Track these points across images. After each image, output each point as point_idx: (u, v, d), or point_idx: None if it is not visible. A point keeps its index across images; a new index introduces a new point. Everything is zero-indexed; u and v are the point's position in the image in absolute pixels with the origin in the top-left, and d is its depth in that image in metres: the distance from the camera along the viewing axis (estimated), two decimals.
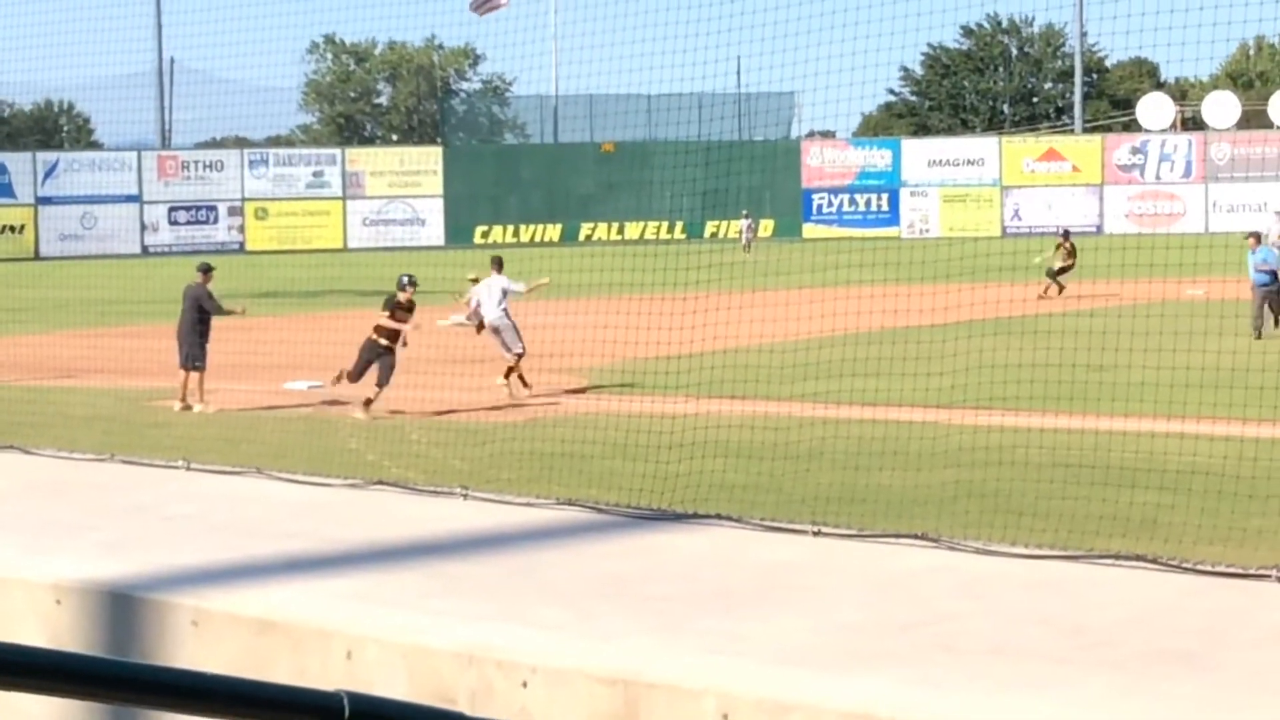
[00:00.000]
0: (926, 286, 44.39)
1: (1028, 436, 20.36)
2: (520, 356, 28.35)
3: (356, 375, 25.63)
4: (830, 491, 16.77)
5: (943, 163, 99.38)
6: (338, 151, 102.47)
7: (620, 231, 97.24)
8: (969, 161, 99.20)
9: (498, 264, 30.34)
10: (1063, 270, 47.86)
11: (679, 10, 26.00)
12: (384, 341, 25.78)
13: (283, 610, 11.80)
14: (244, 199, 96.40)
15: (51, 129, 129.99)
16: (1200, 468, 17.69)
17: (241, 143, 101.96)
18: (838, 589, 11.94)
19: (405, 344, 26.52)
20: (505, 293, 29.30)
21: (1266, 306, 32.60)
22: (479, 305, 29.60)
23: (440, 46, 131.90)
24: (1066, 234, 49.96)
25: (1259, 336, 31.86)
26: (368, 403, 25.12)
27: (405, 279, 26.90)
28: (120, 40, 68.17)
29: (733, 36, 25.39)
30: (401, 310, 26.40)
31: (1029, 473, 17.66)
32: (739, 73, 76.70)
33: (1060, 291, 46.78)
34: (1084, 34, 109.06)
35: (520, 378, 28.24)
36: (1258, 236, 34.21)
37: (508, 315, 28.99)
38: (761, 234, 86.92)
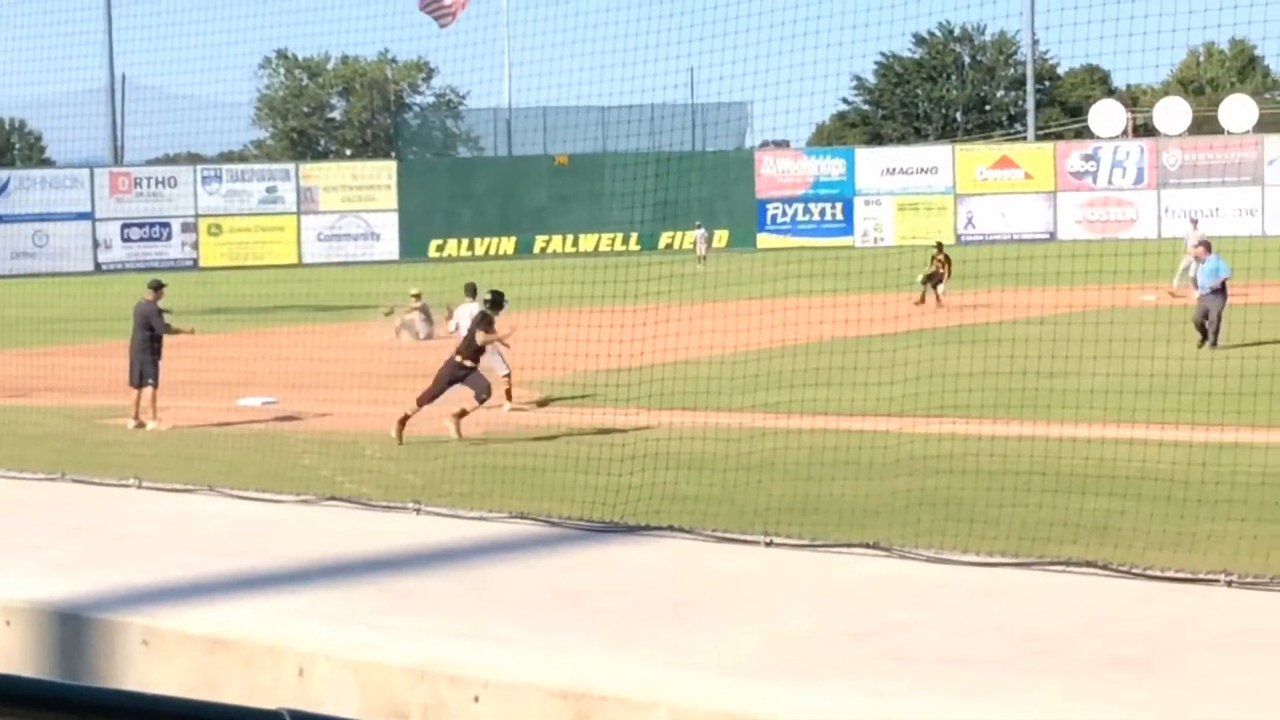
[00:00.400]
0: (879, 295, 44.55)
1: (980, 444, 20.39)
2: (507, 376, 28.54)
3: (430, 398, 24.05)
4: (783, 502, 16.79)
5: (896, 171, 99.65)
6: (291, 167, 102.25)
7: (575, 244, 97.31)
8: (922, 170, 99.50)
9: (472, 291, 30.38)
10: (933, 278, 47.83)
11: (632, 23, 26.01)
12: (468, 363, 24.26)
13: (234, 628, 11.75)
14: (197, 215, 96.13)
15: (3, 147, 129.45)
16: (1151, 473, 17.73)
17: (194, 159, 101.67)
18: (789, 599, 11.94)
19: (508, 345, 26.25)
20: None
21: (1216, 317, 32.22)
22: (457, 329, 29.73)
23: (393, 60, 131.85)
24: (939, 246, 50.08)
25: (1213, 345, 31.65)
26: (461, 414, 23.81)
27: (499, 296, 25.76)
28: (71, 57, 67.76)
29: (686, 48, 25.41)
30: (489, 326, 24.90)
31: (981, 480, 17.69)
32: (692, 84, 76.66)
33: (938, 303, 46.55)
34: (1036, 42, 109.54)
35: (507, 392, 28.39)
36: (1207, 245, 34.18)
37: None
38: (716, 244, 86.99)
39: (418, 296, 42.34)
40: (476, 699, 10.36)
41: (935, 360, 24.67)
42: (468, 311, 29.70)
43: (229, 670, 11.48)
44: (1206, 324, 32.25)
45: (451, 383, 24.04)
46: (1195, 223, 54.44)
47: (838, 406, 23.68)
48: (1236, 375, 22.67)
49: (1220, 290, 32.59)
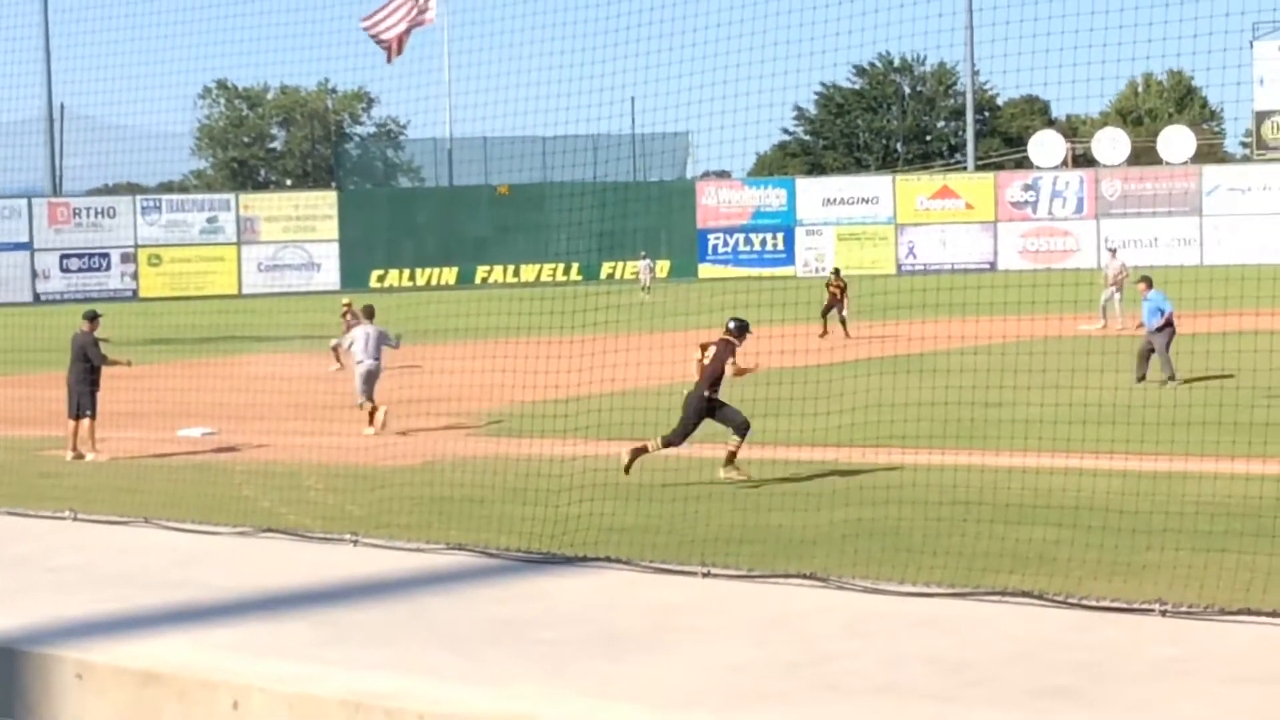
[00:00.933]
0: (820, 326, 44.66)
1: (920, 474, 20.49)
2: (360, 407, 28.81)
3: (681, 438, 22.25)
4: (721, 532, 16.83)
5: (837, 201, 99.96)
6: (231, 197, 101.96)
7: (516, 274, 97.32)
8: (863, 200, 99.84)
9: (369, 313, 30.76)
10: (831, 307, 47.35)
11: (573, 53, 26.00)
12: (709, 394, 22.29)
13: (168, 661, 11.68)
14: (137, 245, 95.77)
15: None
16: (1089, 503, 17.85)
17: (134, 189, 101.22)
18: (726, 630, 11.93)
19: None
20: (380, 343, 29.76)
21: (1165, 352, 31.91)
22: (350, 347, 30.12)
23: (333, 90, 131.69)
24: (836, 272, 49.81)
25: (1143, 380, 31.47)
26: (732, 456, 21.91)
27: (744, 324, 23.13)
28: (9, 87, 67.40)
29: (627, 78, 25.40)
30: (732, 352, 22.73)
31: (922, 510, 17.76)
32: (633, 114, 76.75)
33: (845, 334, 46.28)
34: (975, 72, 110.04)
35: (371, 415, 28.60)
36: (1149, 281, 34.07)
37: (378, 363, 29.53)
38: (658, 275, 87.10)
39: (348, 305, 42.40)
40: None
41: (877, 390, 24.72)
42: (363, 333, 29.99)
43: (163, 704, 11.41)
44: (1155, 358, 31.85)
45: (700, 418, 22.25)
46: (1114, 251, 54.19)
47: (776, 437, 23.74)
48: (1171, 405, 22.82)
49: (1166, 325, 32.31)
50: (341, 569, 14.82)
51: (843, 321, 47.22)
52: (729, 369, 22.29)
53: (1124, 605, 12.06)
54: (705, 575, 13.81)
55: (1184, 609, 11.90)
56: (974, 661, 10.83)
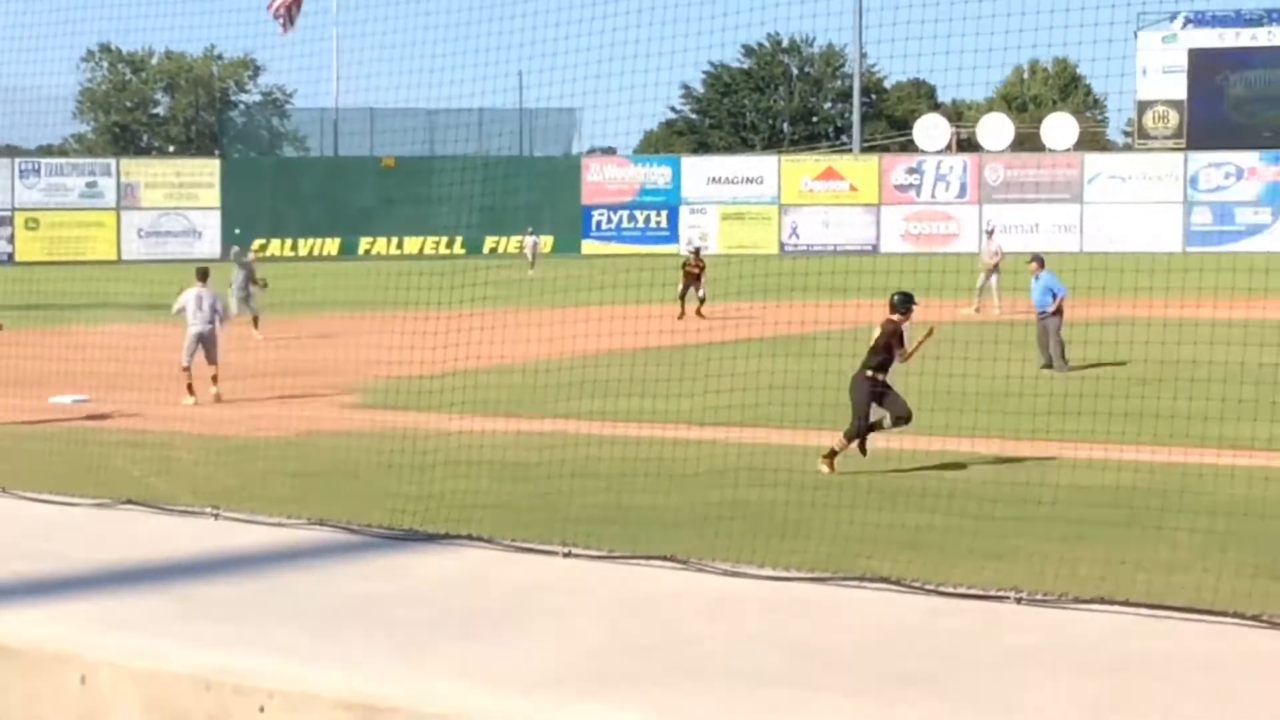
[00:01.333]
0: (678, 307, 44.63)
1: (794, 456, 20.50)
2: (186, 370, 28.98)
3: (860, 429, 20.76)
4: (585, 513, 16.77)
5: (722, 180, 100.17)
6: (112, 162, 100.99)
7: (399, 246, 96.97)
8: (748, 179, 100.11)
9: (203, 275, 30.55)
10: (689, 287, 46.83)
11: (461, 25, 25.86)
12: (881, 377, 20.97)
13: (17, 636, 11.48)
14: (14, 209, 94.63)
15: None
16: (965, 489, 17.94)
17: (12, 151, 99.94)
18: (584, 612, 11.87)
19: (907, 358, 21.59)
20: (214, 308, 29.63)
21: (1056, 338, 31.95)
22: (183, 311, 29.88)
23: (219, 57, 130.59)
24: (696, 252, 49.22)
25: (1050, 365, 31.52)
26: (859, 446, 20.90)
27: (908, 298, 21.49)
28: None
29: (514, 53, 25.28)
30: (900, 338, 21.33)
31: (794, 493, 17.74)
32: (520, 89, 76.60)
33: (697, 312, 45.82)
34: (863, 55, 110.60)
35: (189, 387, 28.72)
36: (1040, 261, 34.11)
37: (212, 327, 29.31)
38: (542, 250, 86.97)
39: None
40: (262, 709, 10.19)
41: (752, 373, 24.70)
42: (194, 295, 29.76)
43: (11, 679, 11.22)
44: (1049, 346, 31.87)
45: (871, 403, 20.85)
46: (991, 233, 53.48)
47: (654, 415, 23.69)
48: (1048, 394, 22.94)
49: (1059, 311, 32.24)
50: (202, 543, 14.63)
51: (700, 301, 46.77)
52: (898, 354, 21.05)
53: (980, 593, 12.10)
54: (566, 555, 13.74)
55: (1039, 597, 11.95)
56: (830, 646, 10.83)
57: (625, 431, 22.23)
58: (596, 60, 22.76)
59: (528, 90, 77.31)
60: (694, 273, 47.04)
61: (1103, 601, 11.83)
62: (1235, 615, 11.42)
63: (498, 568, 13.47)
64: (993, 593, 12.08)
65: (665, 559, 13.41)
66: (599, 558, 13.68)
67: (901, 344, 21.14)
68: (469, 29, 25.51)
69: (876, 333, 21.29)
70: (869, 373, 20.89)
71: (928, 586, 12.32)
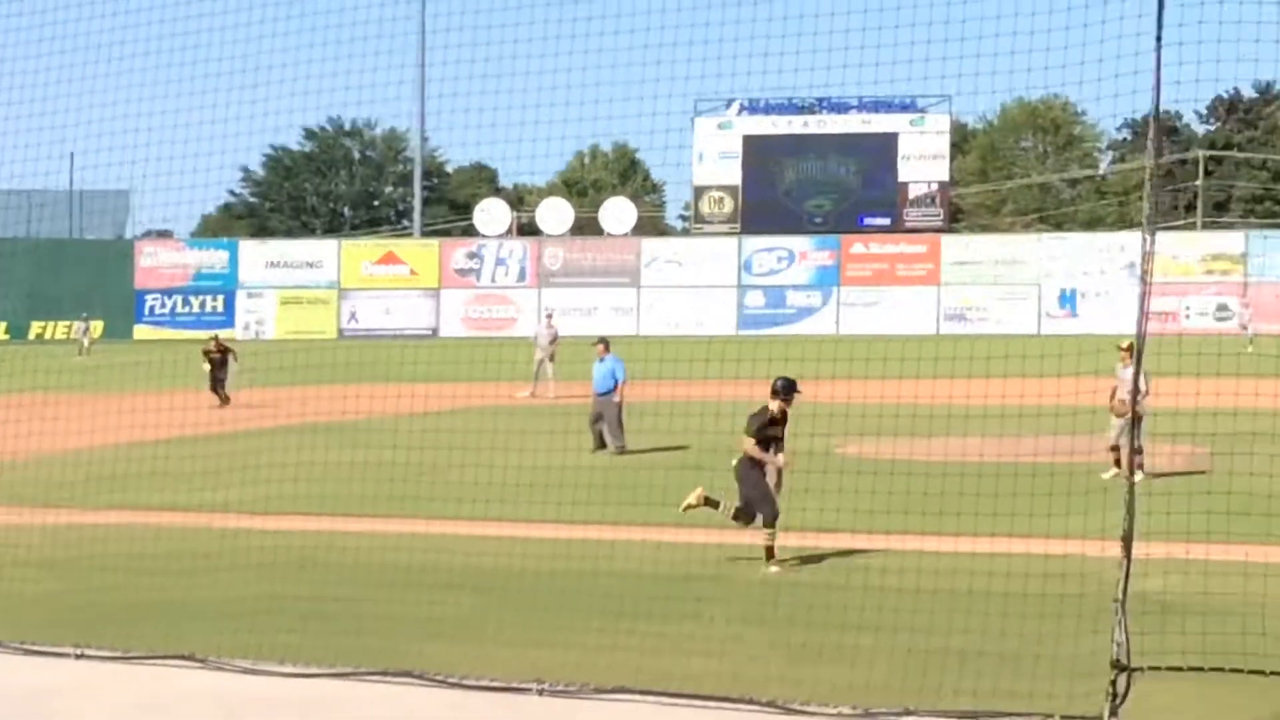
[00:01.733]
0: (256, 391, 43.67)
1: (346, 540, 19.85)
2: None
3: (758, 509, 18.89)
4: (104, 610, 15.67)
5: (281, 264, 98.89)
6: None
7: None
8: (307, 264, 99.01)
9: None
10: (217, 374, 44.78)
11: (10, 105, 24.67)
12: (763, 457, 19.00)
13: None
14: None
15: None
16: (518, 571, 17.56)
17: None
18: (96, 717, 11.07)
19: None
20: None
21: (615, 419, 31.62)
22: None
23: None
24: (215, 338, 46.84)
25: (603, 447, 31.21)
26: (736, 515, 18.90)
27: (791, 383, 19.17)
28: None
29: (67, 133, 24.17)
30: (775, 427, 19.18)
31: (344, 579, 17.13)
32: (72, 169, 74.59)
33: (223, 401, 43.58)
34: (426, 139, 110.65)
35: None
36: (606, 344, 33.93)
37: None
38: (94, 335, 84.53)
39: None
40: None
41: (306, 463, 23.95)
42: None
43: None
44: (603, 427, 31.55)
45: (767, 482, 18.90)
46: (549, 317, 54.08)
47: (203, 506, 22.81)
48: (605, 470, 22.78)
49: (615, 393, 32.03)
50: None
51: (223, 392, 44.32)
52: (773, 448, 18.96)
53: (502, 685, 11.80)
54: (79, 657, 12.89)
55: (560, 688, 11.71)
56: None
57: (160, 520, 21.24)
58: (153, 142, 22.03)
59: (79, 172, 75.24)
60: (216, 359, 45.48)
61: (624, 690, 11.65)
62: (750, 701, 11.40)
63: (6, 672, 12.52)
64: (515, 685, 11.80)
65: (184, 658, 12.67)
66: (114, 658, 12.84)
67: (781, 433, 19.18)
68: (17, 108, 24.38)
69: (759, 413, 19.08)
70: (752, 454, 18.94)
71: (449, 680, 11.93)
